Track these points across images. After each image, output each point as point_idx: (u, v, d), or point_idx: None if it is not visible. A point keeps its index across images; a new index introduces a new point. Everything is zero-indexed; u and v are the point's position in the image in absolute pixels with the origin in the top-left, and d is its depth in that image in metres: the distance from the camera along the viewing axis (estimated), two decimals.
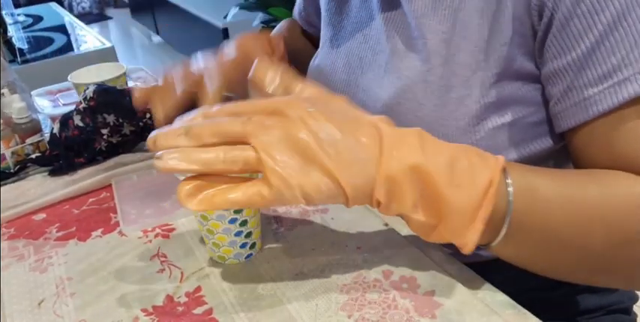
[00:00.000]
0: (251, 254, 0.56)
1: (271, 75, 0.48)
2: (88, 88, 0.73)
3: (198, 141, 0.41)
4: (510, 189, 0.43)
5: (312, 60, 0.73)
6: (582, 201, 0.44)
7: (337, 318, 0.48)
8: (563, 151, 0.56)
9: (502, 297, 0.49)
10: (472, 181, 0.42)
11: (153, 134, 0.43)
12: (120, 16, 4.76)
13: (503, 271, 0.51)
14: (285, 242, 0.58)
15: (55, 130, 0.74)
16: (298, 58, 0.78)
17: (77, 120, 0.73)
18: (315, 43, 0.84)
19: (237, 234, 0.54)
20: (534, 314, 0.47)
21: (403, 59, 0.58)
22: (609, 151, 0.48)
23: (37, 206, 0.68)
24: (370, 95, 0.62)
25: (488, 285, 0.50)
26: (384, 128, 0.42)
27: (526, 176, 0.44)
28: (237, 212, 0.52)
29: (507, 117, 0.54)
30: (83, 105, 0.73)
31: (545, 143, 0.56)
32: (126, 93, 0.73)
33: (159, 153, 0.41)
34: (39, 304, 0.53)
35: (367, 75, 0.63)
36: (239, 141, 0.41)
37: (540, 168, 0.47)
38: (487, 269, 0.54)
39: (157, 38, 4.05)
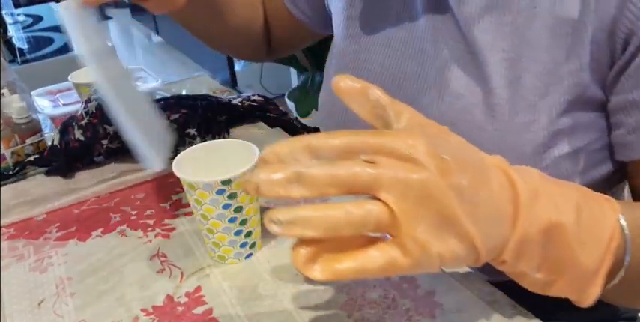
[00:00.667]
0: (251, 254, 0.56)
1: (359, 87, 0.38)
2: (90, 101, 0.73)
3: (315, 191, 0.33)
4: (627, 232, 0.40)
5: (328, 61, 0.66)
6: None
7: (337, 318, 0.48)
8: (618, 176, 0.55)
9: (502, 297, 0.49)
10: (596, 236, 0.39)
11: (254, 177, 0.33)
12: (120, 15, 4.75)
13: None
14: (285, 242, 0.58)
15: (56, 141, 0.74)
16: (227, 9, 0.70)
17: (78, 134, 0.72)
18: (277, 18, 0.78)
19: (237, 233, 0.54)
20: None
21: (457, 76, 0.54)
22: None
23: (42, 211, 0.68)
24: None
25: (488, 285, 0.50)
26: (514, 177, 0.37)
27: (634, 214, 0.42)
28: (237, 211, 0.52)
29: (574, 145, 0.51)
30: (85, 120, 0.72)
31: (605, 169, 0.54)
32: None
33: (274, 215, 0.33)
34: (39, 304, 0.53)
35: (409, 88, 0.57)
36: (362, 191, 0.34)
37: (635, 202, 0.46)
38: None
39: (156, 38, 4.05)
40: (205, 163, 0.56)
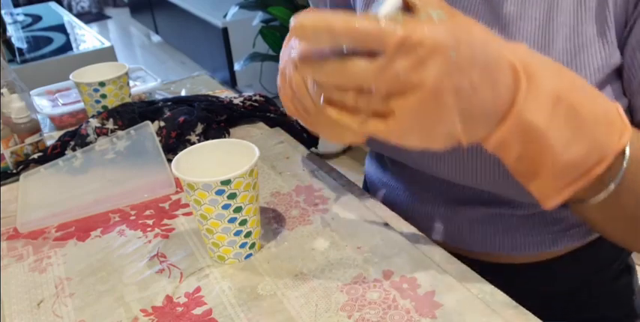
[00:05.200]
0: (251, 254, 0.56)
1: None
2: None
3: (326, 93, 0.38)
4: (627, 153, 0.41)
5: None
6: None
7: (337, 318, 0.48)
8: None
9: (502, 297, 0.49)
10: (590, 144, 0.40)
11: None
12: (119, 15, 4.75)
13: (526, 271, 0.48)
14: (285, 242, 0.58)
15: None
16: None
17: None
18: None
19: (237, 233, 0.54)
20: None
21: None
22: None
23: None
24: None
25: (488, 285, 0.50)
26: (522, 83, 0.38)
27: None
28: (236, 211, 0.52)
29: None
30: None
31: None
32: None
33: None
34: (38, 304, 0.53)
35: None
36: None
37: None
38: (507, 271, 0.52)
39: (156, 37, 4.05)
40: (205, 163, 0.56)
